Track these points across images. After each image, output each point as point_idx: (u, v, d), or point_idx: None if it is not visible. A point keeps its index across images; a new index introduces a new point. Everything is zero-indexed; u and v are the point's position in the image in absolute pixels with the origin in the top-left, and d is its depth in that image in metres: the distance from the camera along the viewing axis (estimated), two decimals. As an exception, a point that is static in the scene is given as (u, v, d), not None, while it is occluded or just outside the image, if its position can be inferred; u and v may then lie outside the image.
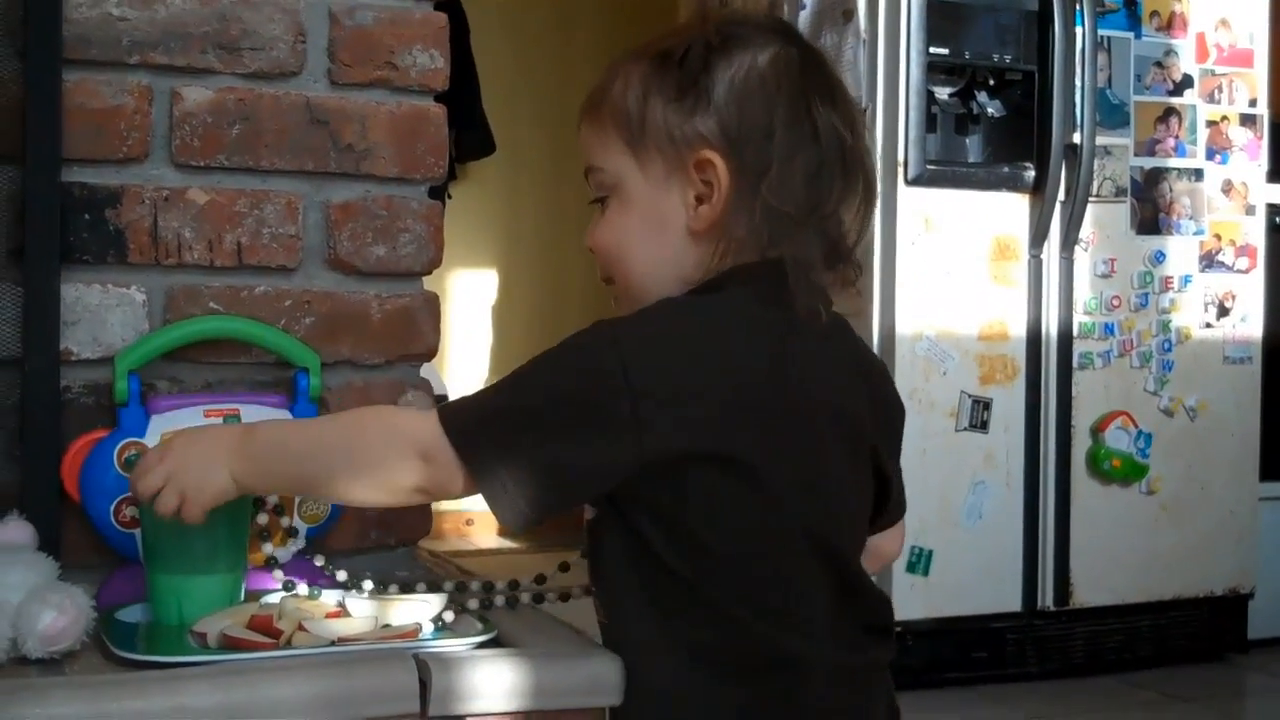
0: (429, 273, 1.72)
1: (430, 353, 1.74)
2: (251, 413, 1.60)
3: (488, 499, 1.11)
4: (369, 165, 1.67)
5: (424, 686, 1.31)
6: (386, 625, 1.45)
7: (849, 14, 3.01)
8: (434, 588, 1.59)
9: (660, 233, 1.17)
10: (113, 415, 1.58)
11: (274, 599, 1.51)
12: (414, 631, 1.44)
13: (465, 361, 4.64)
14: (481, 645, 1.41)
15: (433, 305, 1.73)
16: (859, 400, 1.22)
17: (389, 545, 1.75)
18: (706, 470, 1.11)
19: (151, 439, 1.57)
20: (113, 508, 1.57)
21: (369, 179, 1.68)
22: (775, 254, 1.14)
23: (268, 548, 1.58)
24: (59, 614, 1.28)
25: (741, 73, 1.15)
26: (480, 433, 1.11)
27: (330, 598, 1.50)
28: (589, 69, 4.81)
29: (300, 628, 1.40)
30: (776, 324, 1.14)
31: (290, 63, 1.63)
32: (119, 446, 1.58)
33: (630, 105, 1.16)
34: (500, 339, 4.63)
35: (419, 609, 1.49)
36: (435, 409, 1.13)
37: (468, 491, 1.14)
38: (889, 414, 1.30)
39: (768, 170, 1.14)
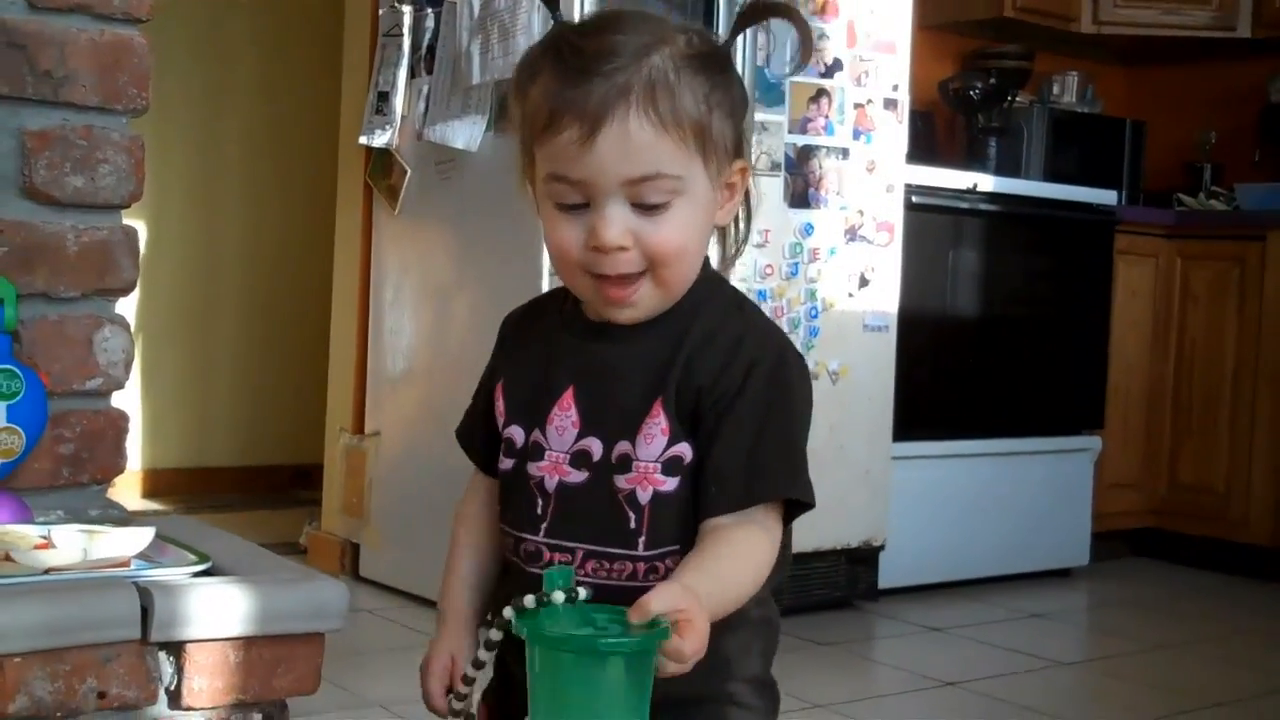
0: (128, 205, 1.69)
1: (128, 287, 1.71)
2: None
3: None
4: (68, 93, 1.63)
5: (146, 613, 1.31)
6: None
7: (524, -21, 3.07)
8: (125, 523, 1.58)
9: (709, 231, 1.26)
10: None
11: (-29, 533, 1.47)
12: (125, 562, 1.43)
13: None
14: (199, 574, 1.41)
15: (132, 239, 1.70)
16: None
17: (81, 483, 1.71)
18: None
19: None
20: None
21: (68, 107, 1.64)
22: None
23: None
24: None
25: (739, 86, 1.25)
26: (807, 490, 1.23)
27: (34, 530, 1.47)
28: (244, 14, 4.72)
29: (7, 557, 1.37)
30: None
31: (-12, -18, 1.58)
32: None
33: (701, 117, 1.19)
34: (148, 288, 4.47)
35: (127, 541, 1.48)
36: (778, 511, 1.22)
37: None
38: None
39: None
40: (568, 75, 1.16)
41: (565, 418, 1.22)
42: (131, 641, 1.30)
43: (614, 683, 1.01)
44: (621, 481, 1.19)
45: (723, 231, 1.30)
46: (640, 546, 1.19)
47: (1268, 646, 3.52)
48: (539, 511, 1.22)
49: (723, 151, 1.22)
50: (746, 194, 1.30)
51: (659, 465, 1.19)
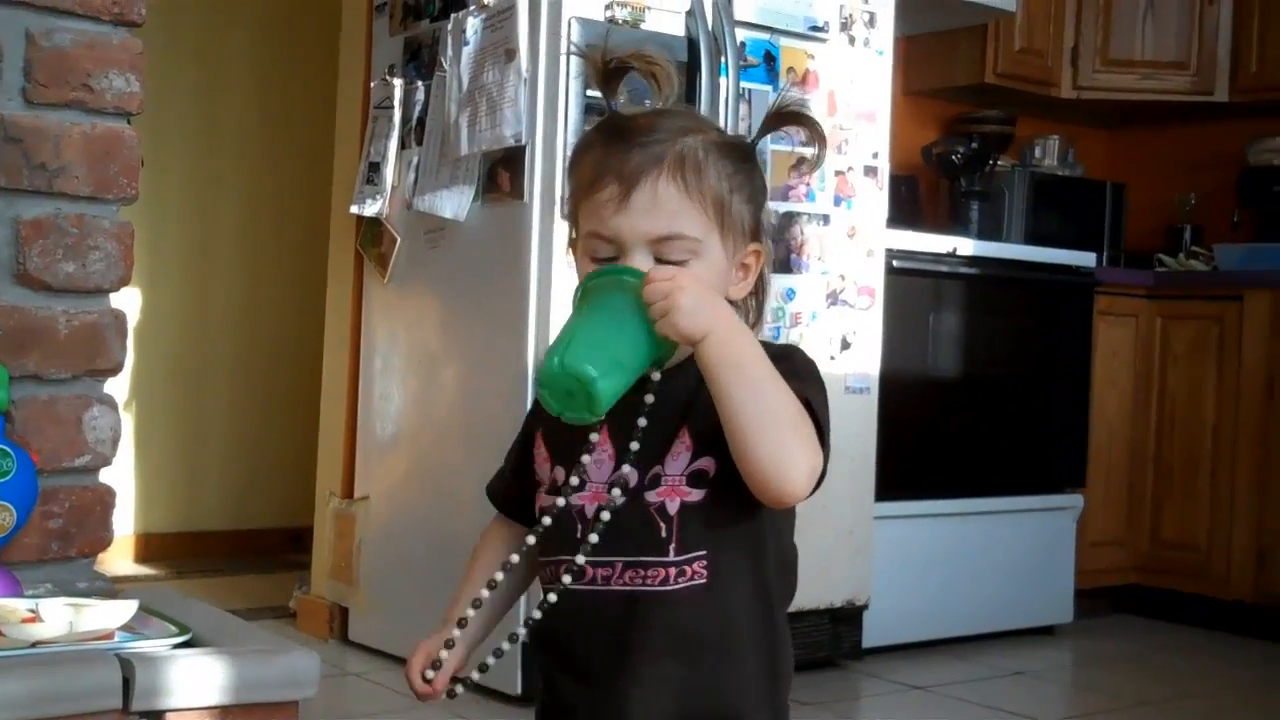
0: (118, 289, 1.77)
1: (117, 368, 1.79)
2: (-63, 424, 1.61)
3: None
4: (61, 184, 1.71)
5: (127, 683, 1.38)
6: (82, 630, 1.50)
7: (511, 53, 3.14)
8: (111, 596, 1.64)
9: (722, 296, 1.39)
10: None
11: (-38, 606, 1.53)
12: (109, 634, 1.50)
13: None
14: (179, 645, 1.48)
15: (120, 323, 1.78)
16: None
17: (70, 556, 1.78)
18: None
19: None
20: None
21: (61, 197, 1.72)
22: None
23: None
24: None
25: (760, 177, 1.41)
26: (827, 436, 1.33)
27: (23, 604, 1.53)
28: (240, 75, 4.82)
29: (-4, 632, 1.44)
30: None
31: (-15, 80, 1.66)
32: None
33: (723, 193, 1.34)
34: (142, 356, 4.56)
35: (112, 614, 1.54)
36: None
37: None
38: None
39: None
40: (613, 145, 1.34)
41: (602, 452, 1.36)
42: (113, 711, 1.36)
43: (612, 305, 1.26)
44: (651, 496, 1.33)
45: (737, 308, 1.41)
46: (670, 553, 1.33)
47: (1249, 702, 3.56)
48: (578, 535, 1.34)
49: (739, 231, 1.37)
50: (760, 275, 1.43)
51: (684, 478, 1.33)
